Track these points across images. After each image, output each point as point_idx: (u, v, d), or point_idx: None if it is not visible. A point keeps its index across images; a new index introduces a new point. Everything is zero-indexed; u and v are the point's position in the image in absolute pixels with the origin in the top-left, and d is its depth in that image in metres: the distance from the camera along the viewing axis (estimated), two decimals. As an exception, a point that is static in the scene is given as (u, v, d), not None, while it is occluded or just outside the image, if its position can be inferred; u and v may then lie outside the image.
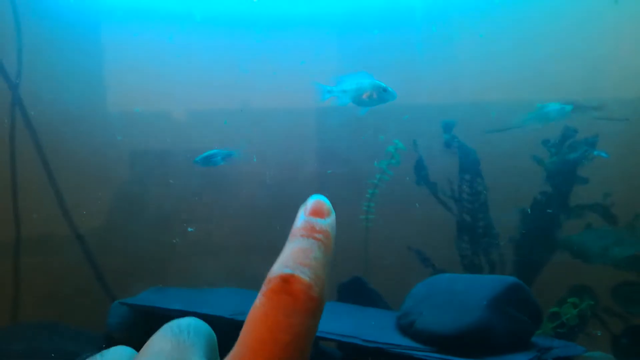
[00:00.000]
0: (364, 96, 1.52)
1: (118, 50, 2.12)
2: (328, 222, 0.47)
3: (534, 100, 1.91)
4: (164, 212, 2.13)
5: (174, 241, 2.12)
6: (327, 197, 0.50)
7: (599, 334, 1.77)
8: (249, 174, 2.12)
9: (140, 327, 1.47)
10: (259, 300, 0.42)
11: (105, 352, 0.48)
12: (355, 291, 1.74)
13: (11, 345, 1.57)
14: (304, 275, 0.42)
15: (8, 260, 2.04)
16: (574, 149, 1.91)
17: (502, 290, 1.42)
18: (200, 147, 2.07)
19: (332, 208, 0.48)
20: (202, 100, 2.12)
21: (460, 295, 1.44)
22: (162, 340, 0.46)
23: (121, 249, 2.14)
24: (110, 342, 1.45)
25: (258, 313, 0.41)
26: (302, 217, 0.47)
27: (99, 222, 2.14)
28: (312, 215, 0.47)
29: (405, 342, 1.39)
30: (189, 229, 2.02)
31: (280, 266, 0.43)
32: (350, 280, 1.76)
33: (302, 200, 0.52)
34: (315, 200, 0.48)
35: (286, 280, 0.42)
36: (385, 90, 1.43)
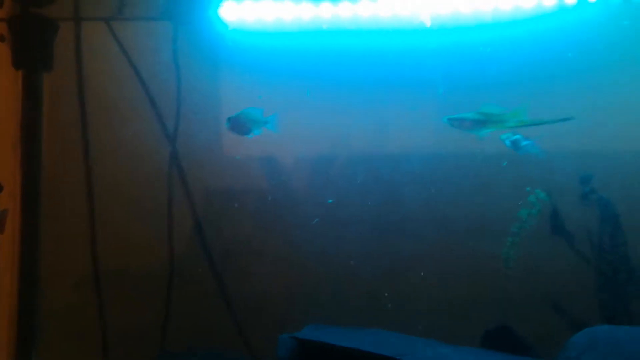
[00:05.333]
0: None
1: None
2: None
3: None
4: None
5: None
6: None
7: None
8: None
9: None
10: None
11: None
12: (502, 339, 1.77)
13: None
14: None
15: (162, 295, 2.22)
16: None
17: (671, 343, 1.42)
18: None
19: None
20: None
21: (626, 346, 1.45)
22: None
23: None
24: (280, 373, 1.55)
25: None
26: None
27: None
28: None
29: (573, 391, 1.40)
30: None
31: None
32: (497, 327, 1.79)
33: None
34: None
35: None
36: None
